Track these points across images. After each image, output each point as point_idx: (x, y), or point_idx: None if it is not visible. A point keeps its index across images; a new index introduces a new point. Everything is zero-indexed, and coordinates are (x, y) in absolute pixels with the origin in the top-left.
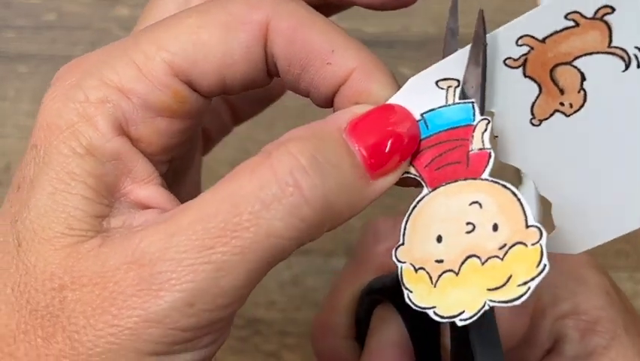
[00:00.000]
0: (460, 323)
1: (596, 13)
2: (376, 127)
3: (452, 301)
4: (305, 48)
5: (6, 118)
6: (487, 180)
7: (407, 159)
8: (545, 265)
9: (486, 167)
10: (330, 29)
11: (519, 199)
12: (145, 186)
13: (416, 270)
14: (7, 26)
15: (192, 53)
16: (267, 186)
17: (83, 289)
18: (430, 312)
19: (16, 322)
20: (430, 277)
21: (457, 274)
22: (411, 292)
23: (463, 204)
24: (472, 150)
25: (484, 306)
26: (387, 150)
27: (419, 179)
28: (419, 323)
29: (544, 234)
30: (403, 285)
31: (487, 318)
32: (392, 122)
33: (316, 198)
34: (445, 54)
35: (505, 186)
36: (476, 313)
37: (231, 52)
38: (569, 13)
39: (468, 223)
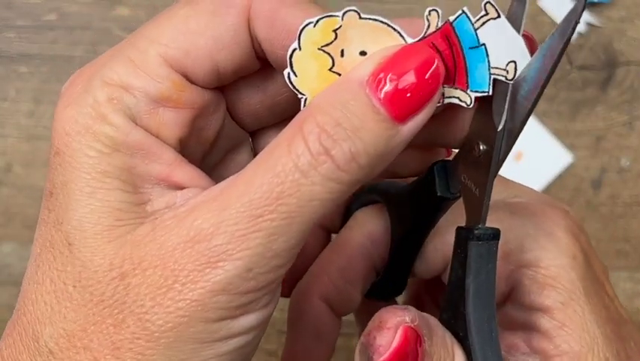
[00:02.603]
0: None
1: None
2: (396, 74)
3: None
4: (284, 28)
5: (6, 118)
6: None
7: (433, 97)
8: None
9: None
10: (309, 9)
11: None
12: (177, 169)
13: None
14: (8, 26)
15: (183, 42)
16: (302, 156)
17: (145, 273)
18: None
19: (84, 315)
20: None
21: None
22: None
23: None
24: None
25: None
26: (409, 95)
27: (459, 99)
28: (407, 233)
29: None
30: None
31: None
32: (411, 66)
33: (347, 162)
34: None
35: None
36: None
37: (220, 37)
38: None
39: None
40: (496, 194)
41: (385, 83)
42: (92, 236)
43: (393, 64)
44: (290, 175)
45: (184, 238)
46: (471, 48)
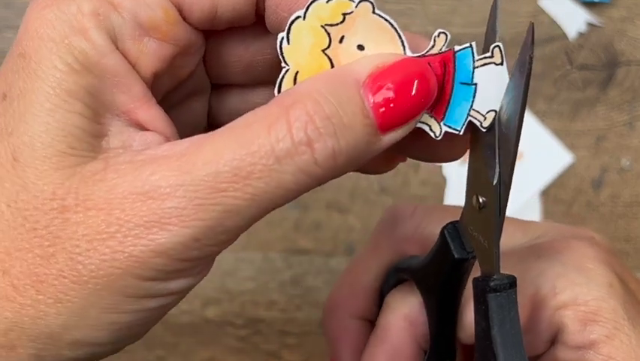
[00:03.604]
0: None
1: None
2: (393, 83)
3: None
4: None
5: None
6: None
7: (419, 114)
8: None
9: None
10: None
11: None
12: (143, 106)
13: None
14: (8, 26)
15: None
16: (282, 142)
17: (88, 213)
18: None
19: (12, 239)
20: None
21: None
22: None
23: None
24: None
25: None
26: (398, 107)
27: (430, 127)
28: (440, 303)
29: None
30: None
31: (512, 311)
32: (408, 80)
33: (326, 159)
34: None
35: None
36: None
37: None
38: None
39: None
40: (517, 240)
41: (380, 89)
42: (41, 158)
43: (392, 72)
44: (264, 158)
45: (137, 189)
46: (462, 83)
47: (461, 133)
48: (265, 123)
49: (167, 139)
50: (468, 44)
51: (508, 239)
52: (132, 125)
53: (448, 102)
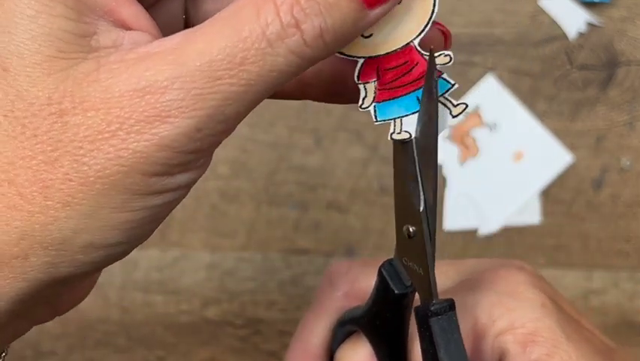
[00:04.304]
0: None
1: None
2: None
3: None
4: None
5: None
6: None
7: None
8: None
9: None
10: None
11: None
12: (125, 4)
13: None
14: None
15: None
16: (272, 25)
17: (87, 114)
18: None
19: (13, 148)
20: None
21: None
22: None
23: None
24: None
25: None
26: None
27: (365, 95)
28: (389, 345)
29: None
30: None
31: (455, 337)
32: None
33: (314, 38)
34: None
35: None
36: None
37: None
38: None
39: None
40: (450, 278)
41: None
42: (31, 65)
43: None
44: (257, 42)
45: (134, 86)
46: (417, 97)
47: (375, 123)
48: (253, 8)
49: (155, 37)
50: (452, 82)
51: (443, 278)
52: (118, 25)
53: (395, 98)
